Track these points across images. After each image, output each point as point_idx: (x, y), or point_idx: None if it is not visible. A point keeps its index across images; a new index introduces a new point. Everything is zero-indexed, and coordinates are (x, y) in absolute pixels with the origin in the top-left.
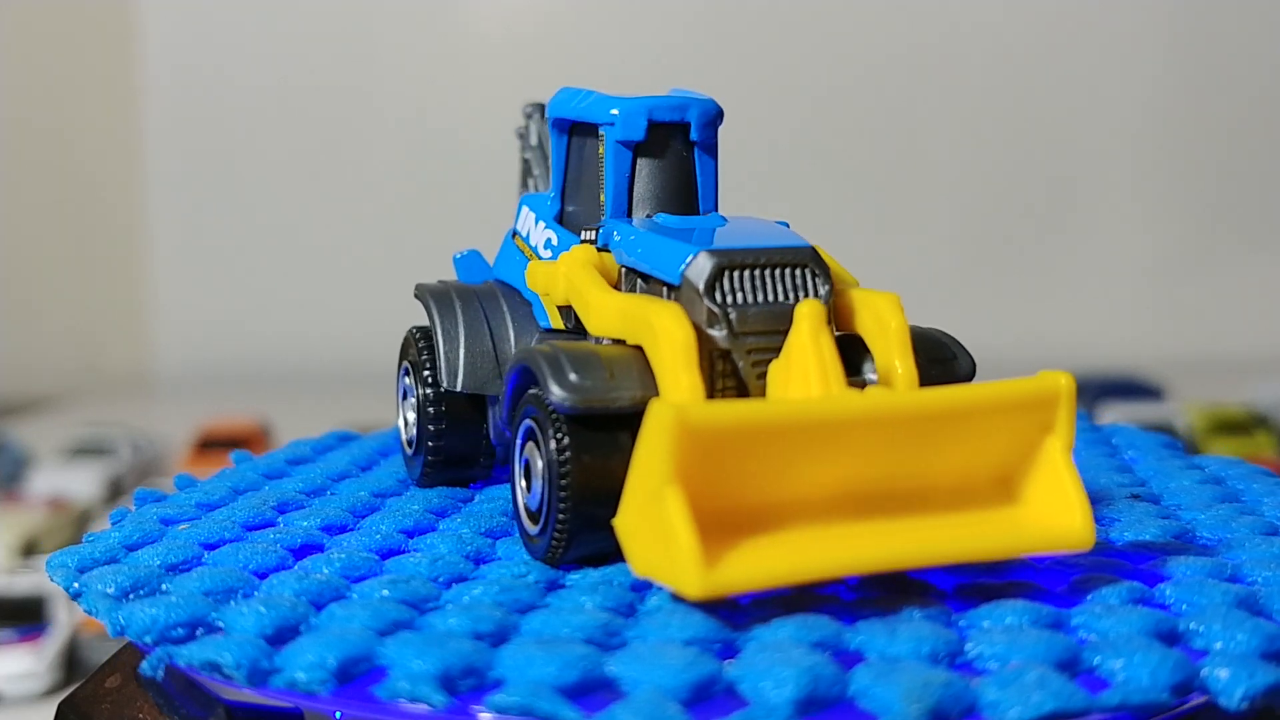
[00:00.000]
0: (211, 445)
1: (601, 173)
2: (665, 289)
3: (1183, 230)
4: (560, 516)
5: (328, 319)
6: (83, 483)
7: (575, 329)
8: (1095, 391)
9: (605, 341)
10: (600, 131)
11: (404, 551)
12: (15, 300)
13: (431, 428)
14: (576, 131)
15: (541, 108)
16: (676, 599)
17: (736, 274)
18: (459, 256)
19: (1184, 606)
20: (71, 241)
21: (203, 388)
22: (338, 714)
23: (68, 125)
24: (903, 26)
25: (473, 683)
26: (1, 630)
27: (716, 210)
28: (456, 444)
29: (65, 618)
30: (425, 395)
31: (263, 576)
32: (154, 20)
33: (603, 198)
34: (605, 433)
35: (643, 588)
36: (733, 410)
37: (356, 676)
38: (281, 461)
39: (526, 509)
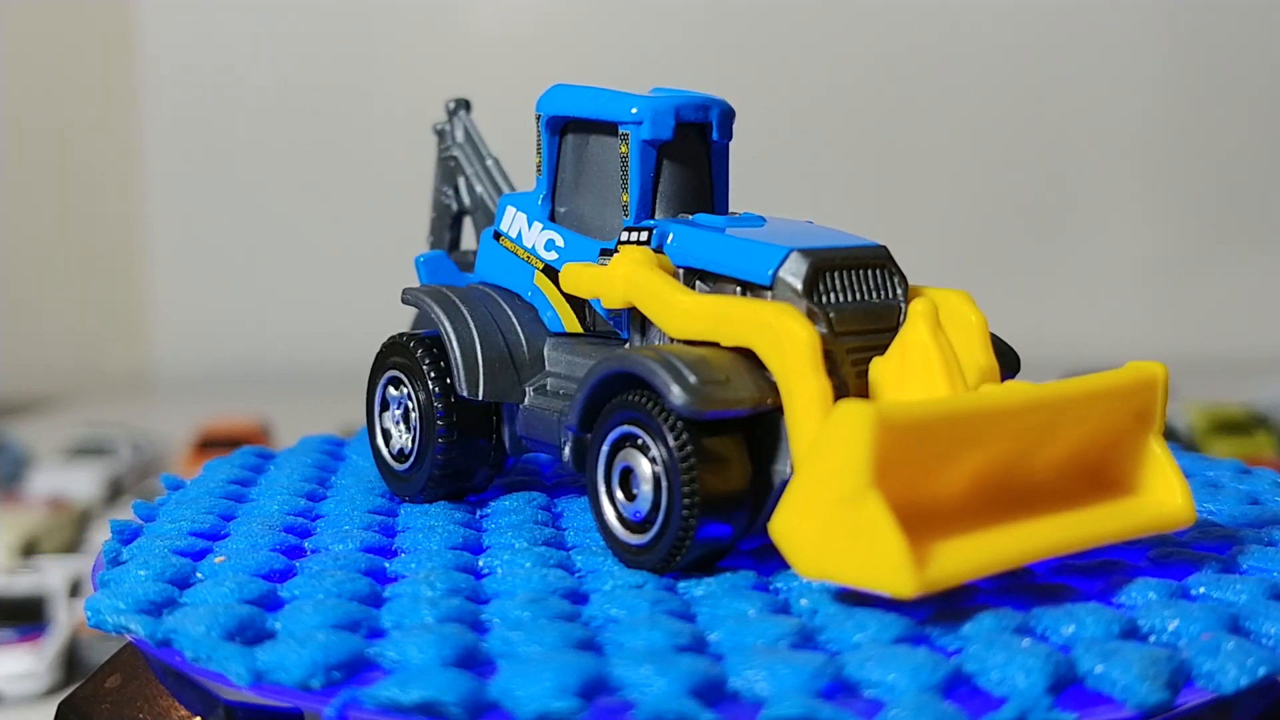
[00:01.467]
0: (211, 445)
1: (625, 171)
2: (740, 289)
3: (1183, 230)
4: (683, 524)
5: (328, 319)
6: (83, 483)
7: (593, 332)
8: None
9: (669, 342)
10: (622, 130)
11: (486, 571)
12: (15, 300)
13: (441, 440)
14: (573, 129)
15: (466, 104)
16: (833, 599)
17: (831, 274)
18: (423, 259)
19: (1266, 575)
20: (71, 241)
21: (203, 388)
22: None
23: (68, 125)
24: (902, 26)
25: (714, 698)
26: (1, 630)
27: (727, 210)
28: (463, 455)
29: (65, 618)
30: (434, 406)
31: (377, 606)
32: (154, 20)
33: (626, 197)
34: (721, 436)
35: (762, 588)
36: (923, 409)
37: (594, 701)
38: (224, 483)
39: (622, 519)
